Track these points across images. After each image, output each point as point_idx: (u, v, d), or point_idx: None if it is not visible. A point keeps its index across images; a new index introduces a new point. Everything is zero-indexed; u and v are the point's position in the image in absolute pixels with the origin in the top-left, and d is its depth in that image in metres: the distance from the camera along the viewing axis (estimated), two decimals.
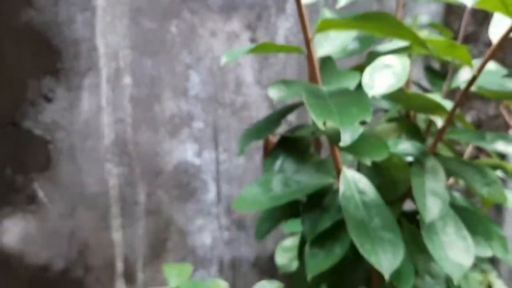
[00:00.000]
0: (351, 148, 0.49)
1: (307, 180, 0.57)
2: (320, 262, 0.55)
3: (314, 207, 0.58)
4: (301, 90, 0.53)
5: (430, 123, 0.66)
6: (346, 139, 0.43)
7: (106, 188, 1.00)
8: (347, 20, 0.45)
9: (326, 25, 0.48)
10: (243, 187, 0.59)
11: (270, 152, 0.63)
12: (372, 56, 0.56)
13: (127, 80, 0.99)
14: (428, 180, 0.52)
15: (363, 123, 0.46)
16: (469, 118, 1.11)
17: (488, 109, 1.11)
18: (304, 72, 1.07)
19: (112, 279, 1.03)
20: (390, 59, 0.57)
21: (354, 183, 0.52)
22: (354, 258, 0.59)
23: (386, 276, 0.47)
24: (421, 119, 0.66)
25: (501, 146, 0.56)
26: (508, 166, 0.78)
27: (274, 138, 0.97)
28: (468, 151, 0.84)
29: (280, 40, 1.04)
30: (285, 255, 0.84)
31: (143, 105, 1.00)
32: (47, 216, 0.99)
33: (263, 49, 0.62)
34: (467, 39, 1.10)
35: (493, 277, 0.95)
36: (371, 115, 0.45)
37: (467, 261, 0.50)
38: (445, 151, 0.65)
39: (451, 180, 0.81)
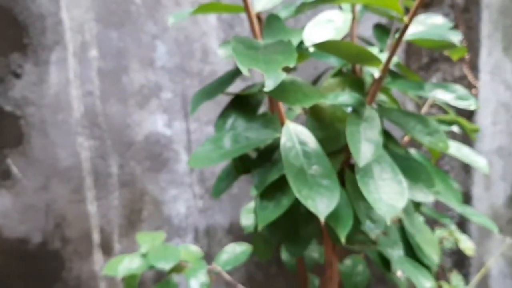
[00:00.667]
0: (282, 96, 0.51)
1: (256, 135, 0.59)
2: (269, 214, 0.58)
3: (264, 162, 0.60)
4: (238, 44, 0.55)
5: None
6: (269, 84, 0.45)
7: (79, 161, 1.03)
8: None
9: None
10: (197, 147, 0.61)
11: (222, 112, 0.66)
12: (301, 8, 0.58)
13: (93, 52, 1.00)
14: (363, 128, 0.54)
15: (288, 70, 0.48)
16: (435, 79, 1.13)
17: (454, 71, 1.12)
18: None
19: (89, 250, 1.06)
20: (333, 14, 0.59)
21: (296, 134, 0.54)
22: (305, 211, 0.62)
23: (322, 219, 0.49)
24: (367, 73, 0.68)
25: (440, 94, 0.58)
26: (463, 121, 0.80)
27: None
28: (424, 110, 0.86)
29: None
30: (249, 216, 0.87)
31: (111, 77, 1.02)
32: (22, 190, 1.02)
33: (207, 9, 0.64)
34: (432, 2, 1.11)
35: (458, 233, 0.98)
36: (295, 61, 0.48)
37: (400, 203, 0.52)
38: (389, 105, 0.67)
39: (406, 138, 0.83)
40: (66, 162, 1.02)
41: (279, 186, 0.59)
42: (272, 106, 0.75)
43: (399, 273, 0.71)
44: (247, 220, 0.86)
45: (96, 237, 1.06)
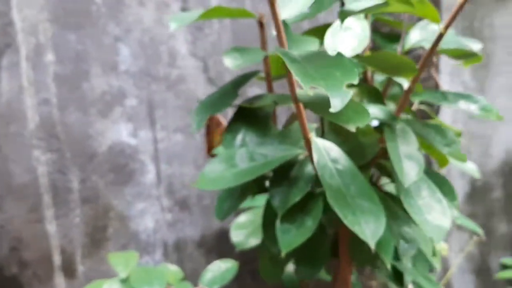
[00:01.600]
0: (335, 115, 0.48)
1: (272, 152, 0.56)
2: (293, 238, 0.54)
3: (281, 180, 0.57)
4: (285, 57, 0.50)
5: (388, 85, 0.66)
6: (336, 104, 0.41)
7: (35, 177, 0.94)
8: None
9: None
10: (206, 166, 0.56)
11: (229, 126, 0.61)
12: (344, 15, 0.54)
13: (49, 56, 0.92)
14: (401, 143, 0.52)
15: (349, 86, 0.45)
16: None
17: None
18: (239, 42, 1.05)
19: (50, 273, 0.97)
20: (350, 22, 0.57)
21: (326, 151, 0.51)
22: (319, 230, 0.59)
23: (372, 245, 0.46)
24: (377, 82, 0.67)
25: (463, 105, 0.57)
26: (446, 125, 0.81)
27: (217, 115, 0.94)
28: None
29: None
30: (240, 232, 0.83)
31: (70, 83, 0.94)
32: None
33: (213, 14, 0.59)
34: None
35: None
36: (357, 77, 0.44)
37: (446, 223, 0.51)
38: (404, 114, 0.66)
39: None
40: (21, 179, 0.93)
41: (301, 207, 0.56)
42: (291, 119, 0.70)
43: (410, 287, 0.70)
44: (238, 236, 0.82)
45: (56, 259, 0.97)
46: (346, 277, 0.65)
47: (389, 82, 0.66)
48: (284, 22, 0.61)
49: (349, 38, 0.55)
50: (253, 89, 1.05)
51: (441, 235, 0.50)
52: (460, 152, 0.57)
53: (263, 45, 0.64)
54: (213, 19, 1.02)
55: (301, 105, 0.52)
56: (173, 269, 0.88)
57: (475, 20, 1.18)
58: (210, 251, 1.08)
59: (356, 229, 0.46)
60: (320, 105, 0.48)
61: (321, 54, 0.48)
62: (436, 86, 1.14)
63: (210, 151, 0.96)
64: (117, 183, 1.00)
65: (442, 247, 1.01)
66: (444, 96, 0.58)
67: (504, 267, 1.37)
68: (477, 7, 1.18)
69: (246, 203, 0.93)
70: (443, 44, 0.58)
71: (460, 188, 1.29)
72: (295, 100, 0.51)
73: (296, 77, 0.41)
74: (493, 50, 1.22)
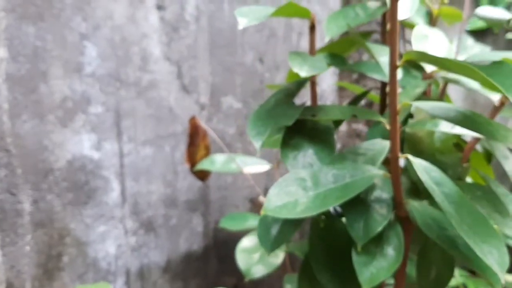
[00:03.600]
0: (490, 131, 0.43)
1: (351, 173, 0.49)
2: (376, 271, 0.48)
3: (357, 205, 0.51)
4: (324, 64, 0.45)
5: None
6: None
7: None
8: None
9: None
10: (271, 189, 0.48)
11: (286, 141, 0.54)
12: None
13: (0, 52, 0.77)
14: (505, 163, 0.49)
15: None
16: None
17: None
18: (215, 46, 0.97)
19: None
20: (425, 29, 0.53)
21: (427, 172, 0.47)
22: None
23: (502, 278, 0.42)
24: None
25: None
26: None
27: (198, 120, 0.86)
28: None
29: (190, 9, 0.93)
30: (247, 257, 0.75)
31: (24, 85, 0.79)
32: None
33: (286, 11, 0.52)
34: None
35: None
36: None
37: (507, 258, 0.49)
38: None
39: None
40: None
41: (380, 235, 0.51)
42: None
43: None
44: (247, 262, 0.74)
45: None
46: None
47: (442, 95, 0.63)
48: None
49: (437, 48, 0.51)
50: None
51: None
52: None
53: (312, 49, 0.58)
54: (189, 20, 0.93)
55: (398, 119, 0.47)
56: None
57: None
58: (176, 277, 0.99)
59: (486, 260, 0.42)
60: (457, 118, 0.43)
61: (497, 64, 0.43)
62: None
63: (193, 166, 0.87)
64: (75, 204, 0.86)
65: None
66: None
67: None
68: None
69: (244, 224, 0.87)
70: None
71: None
72: (395, 114, 0.46)
73: (501, 89, 0.36)
74: None
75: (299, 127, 0.55)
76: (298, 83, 0.56)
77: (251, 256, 0.75)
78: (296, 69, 0.50)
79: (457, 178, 0.54)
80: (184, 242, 0.99)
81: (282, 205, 0.47)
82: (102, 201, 0.89)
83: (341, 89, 1.19)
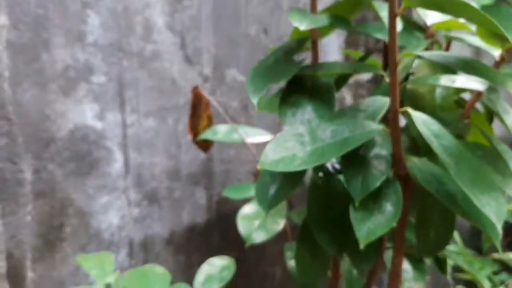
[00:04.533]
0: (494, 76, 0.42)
1: (350, 128, 0.49)
2: (374, 227, 0.48)
3: (356, 162, 0.50)
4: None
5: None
6: None
7: None
8: None
9: None
10: (268, 144, 0.47)
11: (285, 98, 0.53)
12: None
13: (1, 19, 0.77)
14: (507, 117, 0.48)
15: None
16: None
17: None
18: (220, 16, 0.96)
19: None
20: None
21: (426, 125, 0.46)
22: None
23: (499, 228, 0.42)
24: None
25: None
26: None
27: (201, 90, 0.86)
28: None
29: None
30: (248, 224, 0.75)
31: (26, 53, 0.79)
32: None
33: None
34: None
35: None
36: None
37: (504, 208, 0.48)
38: None
39: None
40: None
41: (377, 192, 0.50)
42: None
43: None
44: (247, 228, 0.74)
45: (1, 265, 0.82)
46: (398, 269, 0.60)
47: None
48: None
49: None
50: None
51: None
52: None
53: (314, 8, 0.57)
54: None
55: (398, 72, 0.46)
56: (160, 271, 0.78)
57: None
58: (179, 249, 0.99)
59: (485, 210, 0.42)
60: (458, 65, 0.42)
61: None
62: None
63: (195, 137, 0.87)
64: (78, 174, 0.87)
65: None
66: None
67: None
68: None
69: (248, 194, 0.86)
70: None
71: None
72: (394, 65, 0.45)
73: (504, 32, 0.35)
74: None
75: (298, 84, 0.54)
76: (299, 40, 0.56)
77: (252, 223, 0.75)
78: (295, 23, 0.49)
79: (458, 135, 0.53)
80: (187, 215, 0.98)
81: (279, 159, 0.46)
82: (105, 172, 0.89)
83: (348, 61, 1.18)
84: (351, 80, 1.14)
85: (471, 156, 0.44)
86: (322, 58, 1.13)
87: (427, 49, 0.59)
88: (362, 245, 0.46)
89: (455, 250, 1.43)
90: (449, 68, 0.54)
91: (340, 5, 0.58)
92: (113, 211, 0.91)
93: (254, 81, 0.51)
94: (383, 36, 0.54)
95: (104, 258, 0.77)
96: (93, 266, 0.75)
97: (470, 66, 0.44)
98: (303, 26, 0.49)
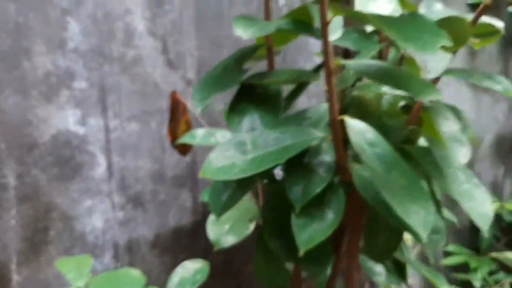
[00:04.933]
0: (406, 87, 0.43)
1: (291, 136, 0.49)
2: (313, 233, 0.49)
3: (298, 169, 0.51)
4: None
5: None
6: (433, 67, 0.38)
7: None
8: None
9: None
10: (211, 153, 0.48)
11: (233, 106, 0.54)
12: None
13: None
14: (443, 124, 0.49)
15: None
16: None
17: None
18: (203, 20, 0.97)
19: None
20: None
21: (361, 134, 0.46)
22: None
23: (424, 237, 0.42)
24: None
25: (487, 83, 0.54)
26: None
27: (178, 95, 0.87)
28: None
29: None
30: (218, 228, 0.76)
31: (7, 61, 0.81)
32: None
33: None
34: None
35: None
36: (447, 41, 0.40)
37: (490, 210, 0.48)
38: None
39: None
40: None
41: (320, 199, 0.51)
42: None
43: (410, 280, 0.68)
44: (216, 233, 0.75)
45: None
46: (353, 274, 0.61)
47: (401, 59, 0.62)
48: None
49: (379, 7, 0.51)
50: None
51: (488, 223, 0.47)
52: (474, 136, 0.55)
53: (267, 15, 0.58)
54: None
55: (334, 80, 0.47)
56: (135, 274, 0.80)
57: None
58: (165, 252, 1.00)
59: (408, 220, 0.42)
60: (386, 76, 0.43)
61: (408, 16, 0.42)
62: None
63: (174, 141, 0.88)
64: (61, 179, 0.88)
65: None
66: (469, 73, 0.55)
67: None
68: None
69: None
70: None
71: None
72: (329, 72, 0.46)
73: (396, 39, 0.36)
74: None
75: (247, 92, 0.55)
76: (251, 48, 0.56)
77: (222, 227, 0.75)
78: (238, 32, 0.50)
79: (403, 141, 0.53)
80: (172, 217, 1.00)
81: (219, 167, 0.47)
82: (88, 176, 0.90)
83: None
84: None
85: (405, 164, 0.44)
86: (302, 64, 1.13)
87: (381, 52, 0.59)
88: (302, 252, 0.47)
89: (453, 250, 1.43)
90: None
91: (301, 11, 0.58)
92: (97, 215, 0.92)
93: (201, 90, 0.52)
94: (337, 42, 0.54)
95: (82, 261, 0.78)
96: (70, 269, 0.77)
97: (391, 76, 0.44)
98: (246, 34, 0.49)
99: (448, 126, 0.49)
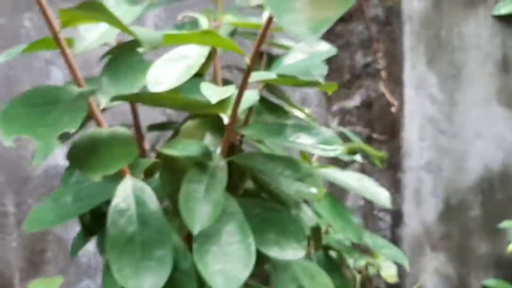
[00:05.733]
0: (75, 162, 0.48)
1: (96, 191, 0.55)
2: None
3: (102, 221, 0.56)
4: None
5: (249, 114, 0.63)
6: (39, 158, 0.43)
7: None
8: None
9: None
10: (36, 205, 0.56)
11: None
12: None
13: None
14: (206, 185, 0.50)
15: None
16: (358, 96, 1.11)
17: (378, 87, 1.11)
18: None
19: None
20: (188, 49, 0.55)
21: (134, 193, 0.50)
22: None
23: None
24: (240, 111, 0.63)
25: (303, 139, 0.53)
26: (368, 148, 0.78)
27: None
28: None
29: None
30: None
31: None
32: None
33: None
34: (352, 16, 1.09)
35: (381, 261, 0.96)
36: (78, 124, 0.45)
37: (244, 273, 0.47)
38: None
39: None
40: None
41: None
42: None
43: None
44: None
45: None
46: None
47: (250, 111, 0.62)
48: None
49: (177, 69, 0.53)
50: None
51: (234, 286, 0.47)
52: (318, 186, 0.53)
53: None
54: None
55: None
56: None
57: (442, 29, 1.13)
58: None
59: (130, 283, 0.45)
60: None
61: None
62: (389, 104, 1.10)
63: None
64: None
65: (389, 274, 0.98)
66: (280, 130, 0.54)
67: None
68: (443, 16, 1.12)
69: None
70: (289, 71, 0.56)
71: (433, 206, 1.24)
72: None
73: None
74: (464, 60, 1.16)
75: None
76: None
77: None
78: None
79: None
80: None
81: (36, 220, 0.54)
82: None
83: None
84: (336, 107, 1.13)
85: (167, 223, 0.47)
86: None
87: None
88: None
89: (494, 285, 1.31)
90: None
91: None
92: None
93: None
94: None
95: (51, 282, 0.89)
96: None
97: None
98: None
99: (208, 188, 0.49)
